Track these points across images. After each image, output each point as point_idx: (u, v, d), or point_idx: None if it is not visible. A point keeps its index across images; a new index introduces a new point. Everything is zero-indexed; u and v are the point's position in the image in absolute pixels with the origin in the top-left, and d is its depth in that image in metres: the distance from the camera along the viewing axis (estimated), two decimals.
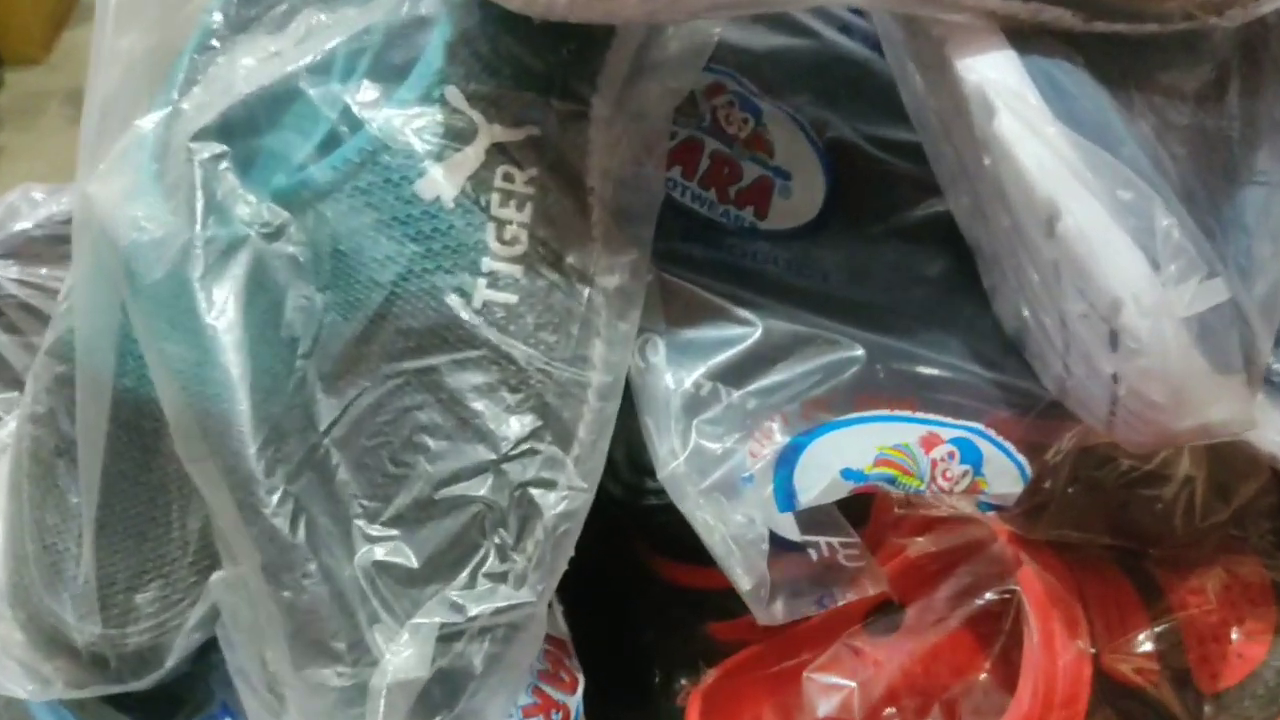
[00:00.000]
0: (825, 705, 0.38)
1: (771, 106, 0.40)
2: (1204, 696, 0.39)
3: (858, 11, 0.45)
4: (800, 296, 0.37)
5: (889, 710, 0.38)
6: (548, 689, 0.37)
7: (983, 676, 0.38)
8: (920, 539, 0.40)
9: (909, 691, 0.38)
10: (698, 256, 0.37)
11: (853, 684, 0.38)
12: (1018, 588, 0.37)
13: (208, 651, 0.38)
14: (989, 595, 0.37)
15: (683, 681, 0.43)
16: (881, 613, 0.41)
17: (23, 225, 0.44)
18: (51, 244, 0.44)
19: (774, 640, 0.42)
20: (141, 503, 0.37)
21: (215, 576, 0.36)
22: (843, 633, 0.41)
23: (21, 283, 0.43)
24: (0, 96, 2.11)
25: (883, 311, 0.37)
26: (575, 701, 0.38)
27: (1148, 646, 0.38)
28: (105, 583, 0.37)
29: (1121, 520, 0.40)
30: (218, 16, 0.38)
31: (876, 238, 0.40)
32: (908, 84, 0.39)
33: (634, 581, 0.45)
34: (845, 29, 0.43)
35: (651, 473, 0.40)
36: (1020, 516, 0.38)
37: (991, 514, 0.38)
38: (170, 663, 0.37)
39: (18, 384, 0.43)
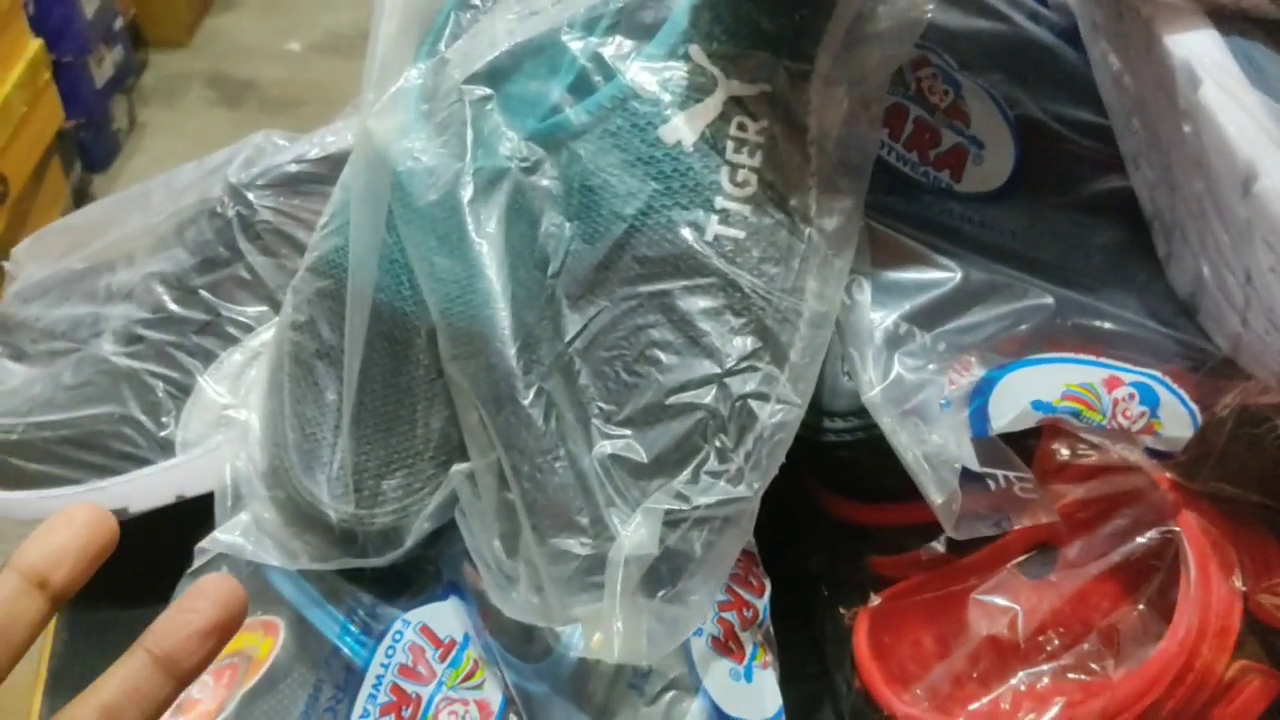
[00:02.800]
0: (989, 625, 0.42)
1: (969, 81, 0.43)
2: None
3: (1043, 2, 0.49)
4: (992, 251, 0.40)
5: (1048, 633, 0.41)
6: (740, 590, 0.41)
7: (1140, 608, 0.41)
8: (1079, 487, 0.44)
9: (1069, 619, 0.42)
10: (900, 209, 0.41)
11: (1016, 606, 0.41)
12: (1177, 529, 0.40)
13: (437, 539, 0.43)
14: (1151, 534, 0.41)
15: (843, 608, 0.47)
16: (1037, 554, 0.45)
17: (279, 161, 0.49)
18: (304, 179, 0.49)
19: (936, 572, 0.45)
20: (391, 402, 0.42)
21: (456, 468, 0.41)
22: (997, 569, 0.44)
23: (277, 211, 0.49)
24: (145, 77, 2.23)
25: (1066, 270, 0.41)
26: (762, 604, 0.42)
27: None
28: (358, 469, 0.42)
29: (1275, 479, 0.43)
30: None
31: (1058, 206, 0.44)
32: (1100, 63, 0.42)
33: (805, 516, 0.49)
34: (1034, 17, 0.47)
35: (830, 414, 0.44)
36: (1182, 465, 0.41)
37: (1153, 462, 0.41)
38: (409, 543, 0.42)
39: (271, 300, 0.48)
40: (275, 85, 2.19)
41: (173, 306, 0.49)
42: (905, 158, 0.42)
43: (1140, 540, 0.41)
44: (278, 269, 0.48)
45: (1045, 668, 0.41)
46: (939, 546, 0.46)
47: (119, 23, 1.90)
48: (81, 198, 1.86)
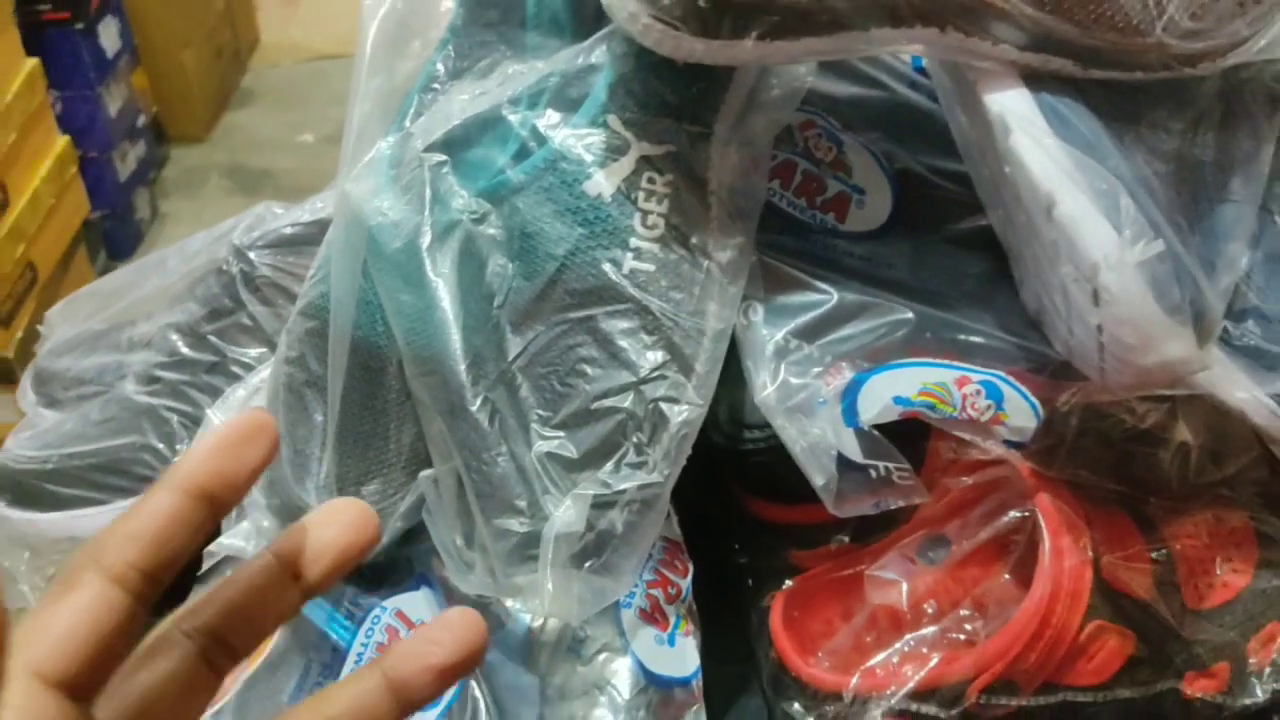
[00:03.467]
0: (879, 596, 0.49)
1: (851, 139, 0.52)
2: (1189, 610, 0.49)
3: (923, 73, 0.57)
4: (870, 279, 0.48)
5: (930, 601, 0.48)
6: (665, 571, 0.48)
7: (1006, 577, 0.48)
8: (964, 478, 0.51)
9: (947, 590, 0.48)
10: (790, 246, 0.49)
11: (903, 580, 0.48)
12: (1034, 508, 0.47)
13: (410, 538, 0.50)
14: (1013, 514, 0.48)
15: (767, 593, 0.54)
16: (929, 541, 0.52)
17: (276, 225, 0.58)
18: (298, 240, 0.57)
19: (842, 559, 0.52)
20: (368, 421, 0.50)
21: (423, 474, 0.48)
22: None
23: (274, 267, 0.57)
24: (166, 170, 2.35)
25: (934, 294, 0.48)
26: (686, 584, 0.49)
27: (1142, 562, 0.48)
28: (340, 478, 0.49)
29: (1125, 470, 0.50)
30: (440, 67, 0.52)
31: (932, 243, 0.52)
32: (954, 121, 0.50)
33: (731, 517, 0.56)
34: (913, 85, 0.55)
35: (748, 425, 0.51)
36: (1038, 454, 0.48)
37: (1015, 453, 0.48)
38: (385, 540, 0.49)
39: (269, 343, 0.56)
40: (289, 174, 2.30)
41: (185, 351, 0.57)
42: (795, 203, 0.50)
43: (1004, 520, 0.48)
44: (275, 316, 0.57)
45: (927, 631, 0.48)
46: (846, 538, 0.53)
47: (141, 120, 2.02)
48: None
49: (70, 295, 0.66)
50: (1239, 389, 0.45)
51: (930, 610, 0.48)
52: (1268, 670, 0.48)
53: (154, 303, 0.61)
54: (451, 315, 0.46)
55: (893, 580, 0.48)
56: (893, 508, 0.46)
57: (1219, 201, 0.46)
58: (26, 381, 0.62)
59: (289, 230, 0.58)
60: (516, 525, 0.43)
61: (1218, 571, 0.50)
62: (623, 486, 0.44)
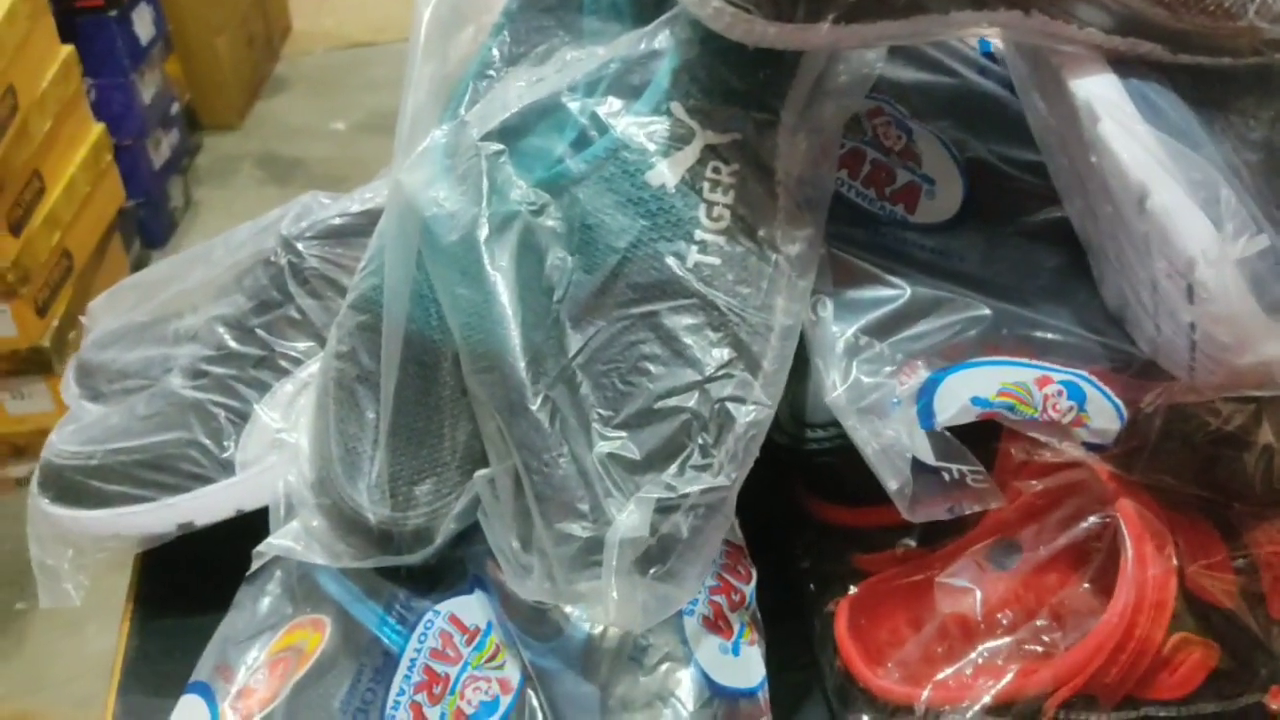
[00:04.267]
0: (951, 605, 0.47)
1: (920, 127, 0.50)
2: (1273, 620, 0.47)
3: (992, 58, 0.55)
4: (942, 273, 0.46)
5: (1004, 611, 0.46)
6: (729, 577, 0.47)
7: (1085, 586, 0.46)
8: (1035, 482, 0.49)
9: (1022, 598, 0.47)
10: (860, 239, 0.47)
11: (976, 588, 0.46)
12: (1116, 514, 0.45)
13: (463, 539, 0.49)
14: (1092, 519, 0.46)
15: (831, 599, 0.52)
16: (1000, 545, 0.50)
17: (324, 215, 0.56)
18: (347, 231, 0.56)
19: (909, 564, 0.51)
20: (422, 418, 0.48)
21: (479, 474, 0.47)
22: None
23: (323, 259, 0.55)
24: (199, 158, 2.35)
25: (1009, 289, 0.46)
26: (750, 590, 0.47)
27: (1226, 571, 0.46)
28: (394, 477, 0.48)
29: (1208, 474, 0.48)
30: (495, 53, 0.50)
31: (1004, 236, 0.49)
32: (1031, 108, 0.48)
33: (794, 520, 0.55)
34: (983, 71, 0.53)
35: (812, 424, 0.49)
36: (1119, 458, 0.46)
37: (1094, 456, 0.46)
38: (438, 542, 0.48)
39: (318, 337, 0.55)
40: (321, 163, 2.30)
41: (233, 344, 0.55)
42: (864, 194, 0.48)
43: (1083, 525, 0.46)
44: (324, 310, 0.55)
45: (1002, 642, 0.46)
46: (912, 542, 0.51)
47: (175, 108, 2.02)
48: None
49: (113, 287, 0.65)
50: None
51: (1005, 620, 0.46)
52: None
53: (200, 295, 0.59)
54: (510, 310, 0.44)
55: (965, 588, 0.46)
56: (967, 513, 0.44)
57: None
58: (70, 374, 0.60)
59: (338, 221, 0.56)
60: (579, 530, 0.42)
61: None
62: (688, 490, 0.42)
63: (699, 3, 0.41)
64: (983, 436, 0.46)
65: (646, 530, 0.41)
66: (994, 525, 0.49)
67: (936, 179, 0.49)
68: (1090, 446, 0.45)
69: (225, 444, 0.54)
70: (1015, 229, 0.50)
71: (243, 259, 0.58)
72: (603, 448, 0.43)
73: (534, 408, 0.43)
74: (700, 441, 0.43)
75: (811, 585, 0.52)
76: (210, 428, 0.54)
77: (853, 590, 0.50)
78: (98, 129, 1.67)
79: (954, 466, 0.45)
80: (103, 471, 0.54)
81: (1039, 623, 0.46)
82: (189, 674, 0.51)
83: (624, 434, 0.43)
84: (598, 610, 0.41)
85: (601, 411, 0.44)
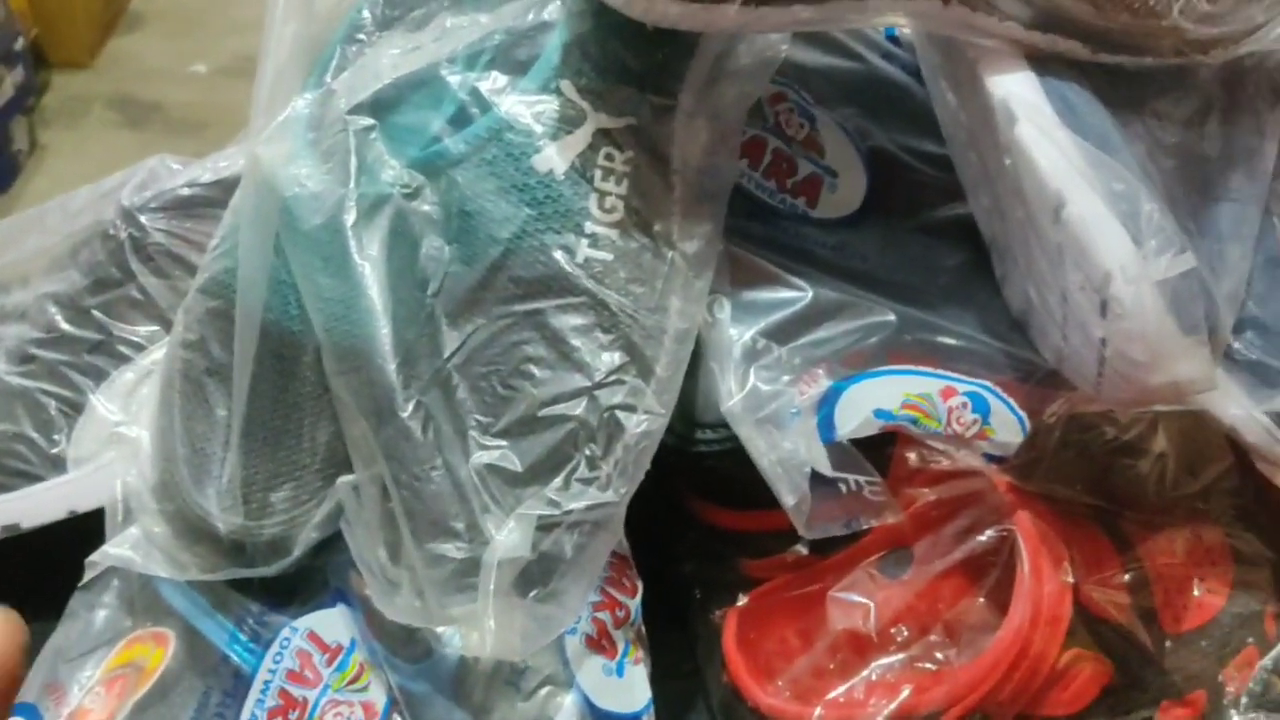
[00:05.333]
0: (844, 620, 0.45)
1: (824, 114, 0.47)
2: (1166, 634, 0.46)
3: (896, 42, 0.52)
4: (843, 272, 0.44)
5: (899, 626, 0.45)
6: (613, 591, 0.44)
7: (980, 600, 0.44)
8: (929, 490, 0.47)
9: (918, 613, 0.45)
10: (758, 234, 0.44)
11: (869, 602, 0.45)
12: (1013, 527, 0.44)
13: (323, 548, 0.45)
14: (989, 533, 0.44)
15: (715, 608, 0.50)
16: (892, 555, 0.48)
17: (171, 184, 0.51)
18: (196, 203, 0.51)
19: (799, 573, 0.49)
20: (279, 417, 0.44)
21: (341, 480, 0.43)
22: (855, 569, 0.48)
23: (169, 233, 0.50)
24: (46, 97, 2.20)
25: (911, 290, 0.44)
26: (635, 604, 0.44)
27: (1120, 586, 0.45)
28: (246, 482, 0.44)
29: (1103, 483, 0.47)
30: (366, 15, 0.45)
31: (907, 231, 0.47)
32: (940, 100, 0.46)
33: (678, 523, 0.52)
34: (887, 56, 0.51)
35: (702, 425, 0.47)
36: (1017, 468, 0.44)
37: (992, 466, 0.45)
38: (296, 553, 0.44)
39: (162, 320, 0.50)
40: (180, 108, 2.17)
41: (65, 326, 0.50)
42: (764, 186, 0.46)
43: (980, 538, 0.45)
44: (169, 290, 0.50)
45: (896, 658, 0.44)
46: (803, 549, 0.49)
47: (20, 43, 1.88)
48: None
49: None
50: (1234, 406, 0.42)
51: (898, 635, 0.44)
52: (1244, 699, 0.45)
53: (30, 267, 0.53)
54: (379, 304, 0.40)
55: (858, 603, 0.44)
56: (865, 527, 0.42)
57: (1221, 200, 0.43)
58: None
59: (186, 192, 0.51)
60: (453, 550, 0.38)
61: (1195, 592, 0.47)
62: (573, 505, 0.39)
63: None
64: (875, 441, 0.44)
65: (527, 549, 0.38)
66: (887, 535, 0.47)
67: (839, 171, 0.47)
68: (990, 458, 0.44)
69: (55, 438, 0.49)
70: (916, 224, 0.48)
71: (79, 230, 0.52)
72: (480, 458, 0.39)
73: (404, 414, 0.39)
74: (587, 453, 0.39)
75: (696, 591, 0.50)
76: (39, 419, 0.49)
77: (742, 600, 0.48)
78: None
79: (851, 477, 0.43)
80: None
81: (933, 638, 0.44)
82: None
83: (504, 443, 0.40)
84: (473, 637, 0.38)
85: (479, 418, 0.40)
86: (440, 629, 0.41)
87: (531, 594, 0.38)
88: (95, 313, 0.50)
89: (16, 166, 1.91)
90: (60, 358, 0.49)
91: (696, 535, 0.52)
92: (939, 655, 0.44)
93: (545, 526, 0.39)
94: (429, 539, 0.38)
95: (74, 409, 0.49)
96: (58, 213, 0.56)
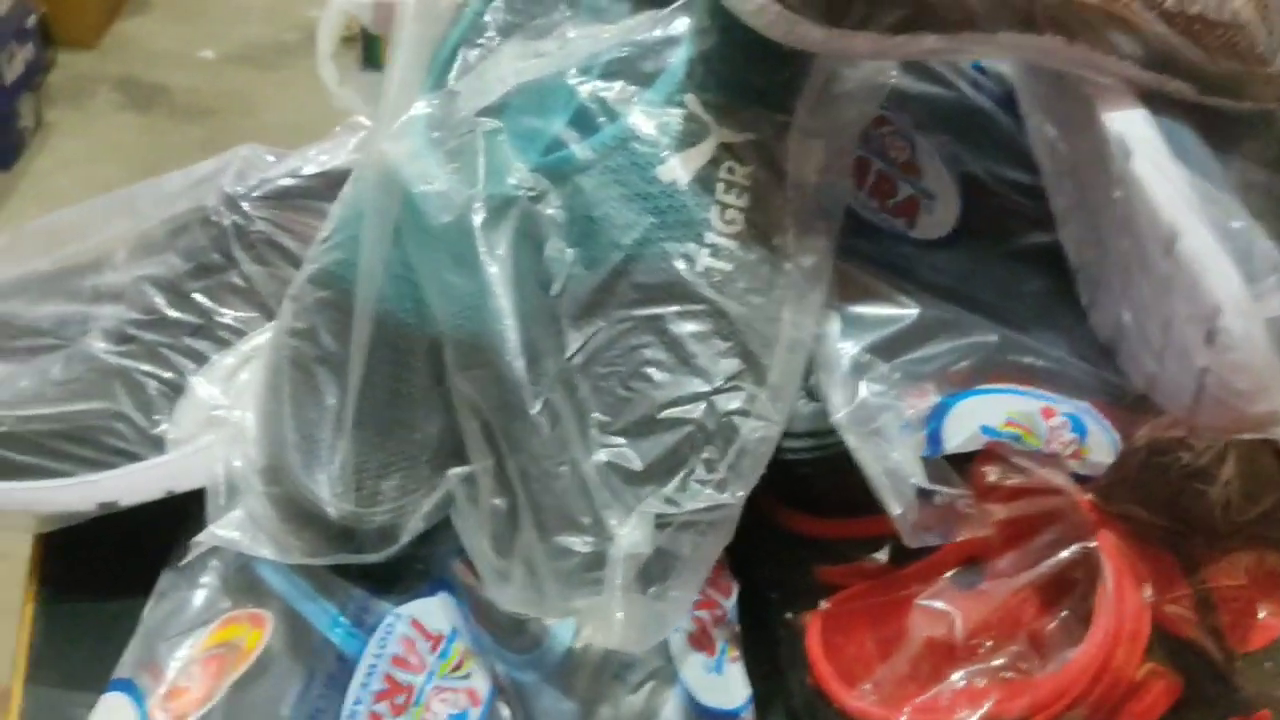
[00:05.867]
0: (929, 628, 0.46)
1: (922, 140, 0.49)
2: (1231, 653, 0.48)
3: (982, 72, 0.54)
4: (942, 292, 0.45)
5: (983, 637, 0.46)
6: (710, 591, 0.45)
7: (1064, 615, 0.46)
8: (1006, 505, 0.49)
9: (1001, 624, 0.46)
10: (864, 251, 0.46)
11: (955, 612, 0.46)
12: (1096, 545, 0.46)
13: (425, 538, 0.46)
14: (1073, 549, 0.46)
15: (792, 612, 0.51)
16: (968, 567, 0.50)
17: (275, 174, 0.52)
18: (297, 194, 0.52)
19: (878, 580, 0.50)
20: (392, 407, 0.45)
21: (453, 471, 0.44)
22: (935, 579, 0.49)
23: (271, 222, 0.51)
24: (52, 76, 2.18)
25: (1002, 311, 0.46)
26: (730, 604, 0.46)
27: (1190, 605, 0.47)
28: (358, 470, 0.45)
29: (1174, 506, 0.49)
30: (488, 19, 0.47)
31: (994, 255, 0.49)
32: (1037, 131, 0.48)
33: (756, 528, 0.53)
34: (975, 85, 0.52)
35: (790, 434, 0.48)
36: (1101, 488, 0.46)
37: (1075, 486, 0.46)
38: (403, 540, 0.45)
39: (263, 307, 0.51)
40: (186, 92, 2.17)
41: (165, 309, 0.51)
42: (867, 204, 0.47)
43: (1064, 554, 0.46)
44: (270, 277, 0.51)
45: (979, 668, 0.46)
46: (882, 557, 0.50)
47: (30, 20, 1.87)
48: None
49: (12, 229, 0.59)
50: None
51: (983, 646, 0.46)
52: None
53: (122, 249, 0.54)
54: (508, 304, 0.41)
55: (943, 611, 0.46)
56: (957, 540, 0.44)
57: None
58: None
59: (289, 182, 0.52)
60: (579, 544, 0.39)
61: (1259, 615, 0.49)
62: (691, 505, 0.40)
63: None
64: (956, 456, 0.46)
65: (649, 547, 0.39)
66: (963, 546, 0.49)
67: (936, 194, 0.48)
68: (1077, 478, 0.45)
69: (155, 418, 0.49)
70: (1004, 249, 0.49)
71: (178, 214, 0.53)
72: (601, 455, 0.41)
73: (534, 411, 0.40)
74: (705, 455, 0.41)
75: (773, 594, 0.51)
76: (138, 399, 0.49)
77: (823, 605, 0.49)
78: None
79: (945, 489, 0.44)
80: (13, 440, 0.49)
81: (1016, 649, 0.46)
82: (103, 663, 0.47)
83: (623, 442, 0.41)
84: (597, 629, 0.39)
85: (600, 416, 0.41)
86: (549, 620, 0.42)
87: (651, 590, 0.40)
88: (196, 297, 0.51)
89: (22, 143, 1.90)
90: (160, 339, 0.50)
91: (773, 541, 0.53)
92: (1023, 666, 0.45)
93: (663, 525, 0.40)
94: (556, 532, 0.40)
95: (174, 390, 0.50)
96: (148, 196, 0.57)
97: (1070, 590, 0.46)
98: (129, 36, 2.31)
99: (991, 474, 0.47)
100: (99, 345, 0.51)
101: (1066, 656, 0.45)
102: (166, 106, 2.14)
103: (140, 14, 2.36)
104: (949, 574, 0.48)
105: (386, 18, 0.47)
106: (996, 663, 0.45)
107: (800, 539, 0.52)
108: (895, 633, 0.48)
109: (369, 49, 1.51)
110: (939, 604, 0.46)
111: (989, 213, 0.50)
